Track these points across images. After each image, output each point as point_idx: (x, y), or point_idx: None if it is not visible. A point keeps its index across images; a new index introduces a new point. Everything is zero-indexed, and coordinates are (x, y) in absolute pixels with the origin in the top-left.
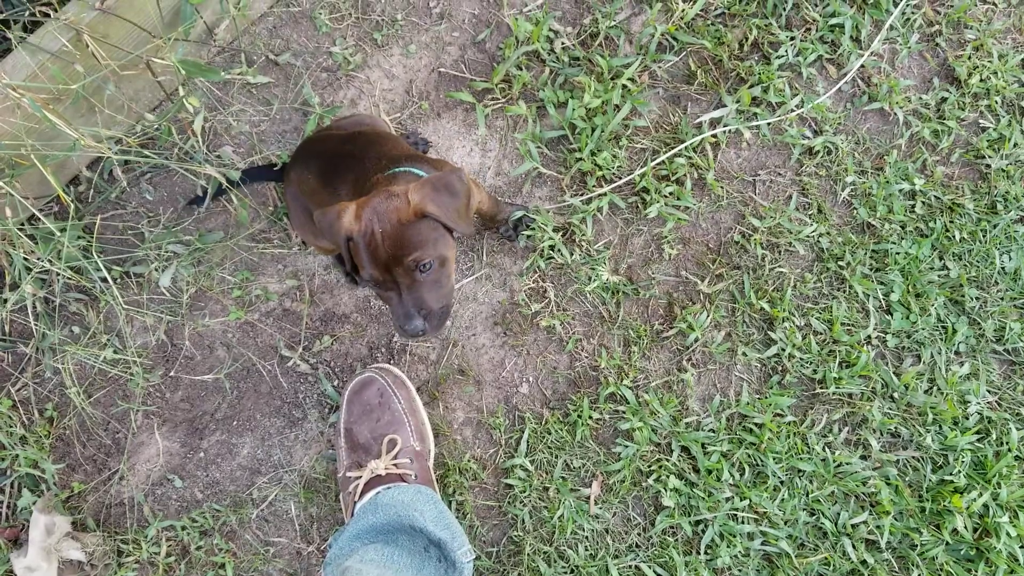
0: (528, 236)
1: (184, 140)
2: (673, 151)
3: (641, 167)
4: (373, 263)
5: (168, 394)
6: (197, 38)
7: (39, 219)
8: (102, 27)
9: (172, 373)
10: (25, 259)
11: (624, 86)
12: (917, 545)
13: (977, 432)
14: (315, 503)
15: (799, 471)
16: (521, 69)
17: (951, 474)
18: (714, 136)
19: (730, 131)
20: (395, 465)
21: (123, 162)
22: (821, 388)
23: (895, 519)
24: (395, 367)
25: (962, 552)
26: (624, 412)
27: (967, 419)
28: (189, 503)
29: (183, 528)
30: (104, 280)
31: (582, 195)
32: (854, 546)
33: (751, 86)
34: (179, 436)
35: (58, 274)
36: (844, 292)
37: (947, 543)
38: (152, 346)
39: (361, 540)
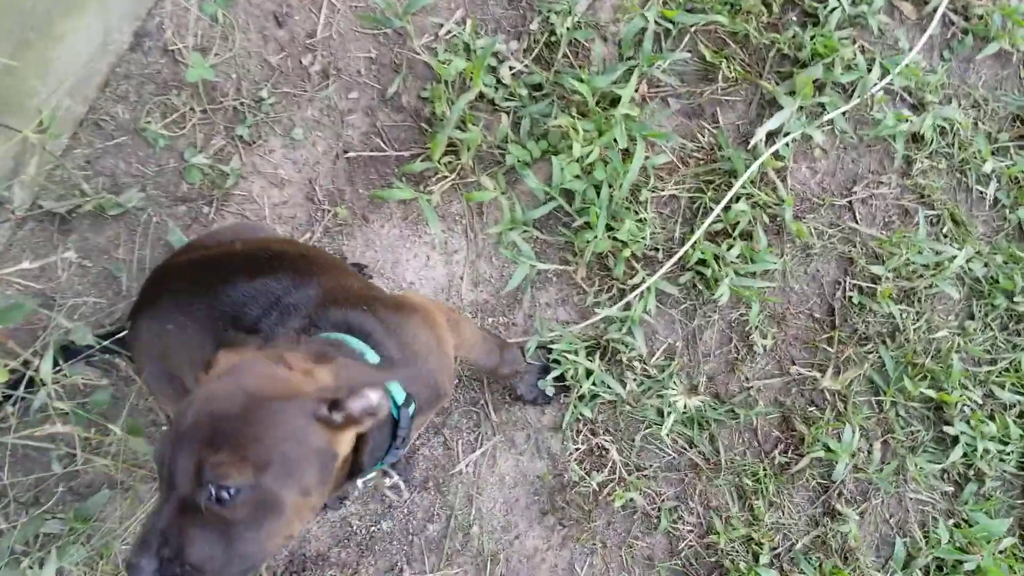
0: (558, 383)
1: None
2: (727, 196)
3: (683, 227)
4: (168, 432)
5: None
6: None
7: None
8: None
9: None
10: None
11: (624, 115)
12: None
13: None
14: None
15: None
16: (467, 126)
17: None
18: (776, 155)
19: (796, 140)
20: None
21: None
22: None
23: None
24: None
25: None
26: None
27: None
28: None
29: None
30: None
31: (610, 291)
32: None
33: (805, 66)
34: None
35: None
36: None
37: None
38: None
39: None
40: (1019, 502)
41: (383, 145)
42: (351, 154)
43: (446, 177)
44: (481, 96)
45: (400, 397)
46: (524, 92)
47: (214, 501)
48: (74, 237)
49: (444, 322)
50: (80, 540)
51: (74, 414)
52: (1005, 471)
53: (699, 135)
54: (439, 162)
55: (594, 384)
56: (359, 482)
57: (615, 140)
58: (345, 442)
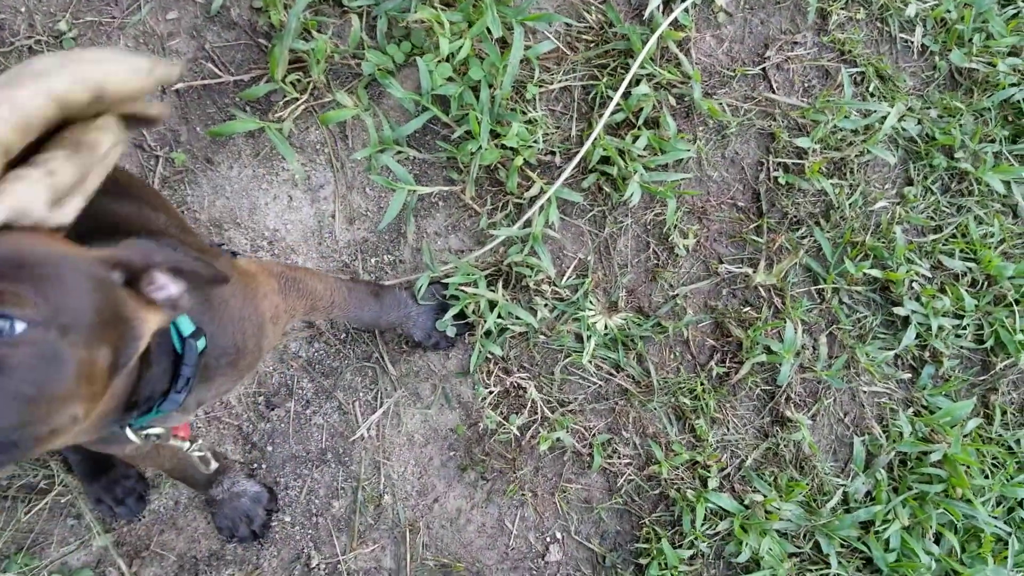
0: (460, 323)
1: None
2: (625, 81)
3: (579, 123)
4: None
5: None
6: None
7: None
8: None
9: None
10: None
11: None
12: None
13: None
14: None
15: (1020, 501)
16: (311, 35)
17: None
18: (676, 25)
19: (696, 3)
20: None
21: None
22: (1000, 359)
23: None
24: None
25: None
26: (730, 529)
27: None
28: None
29: None
30: None
31: (504, 207)
32: None
33: None
34: None
35: None
36: (974, 195)
37: None
38: None
39: None
40: (981, 378)
41: (216, 71)
42: (180, 86)
43: (296, 100)
44: None
45: (187, 328)
46: None
47: None
48: None
49: (268, 280)
50: None
51: None
52: (962, 347)
53: (585, 13)
54: (284, 82)
55: (500, 317)
56: (134, 435)
57: (488, 30)
58: (150, 322)
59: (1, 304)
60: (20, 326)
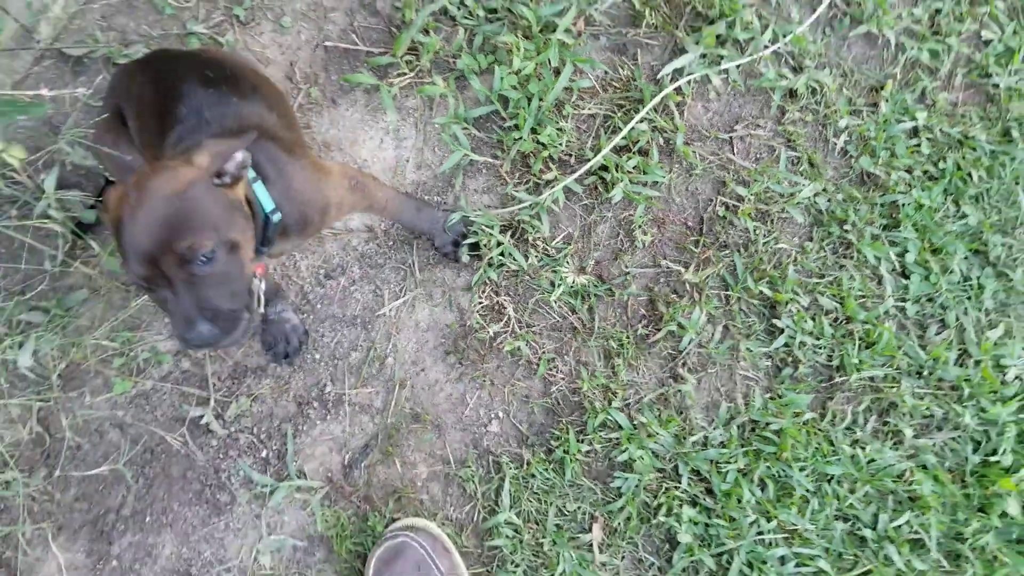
0: (472, 251)
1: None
2: (634, 120)
3: (593, 139)
4: (134, 254)
5: (58, 495)
6: (14, 41)
7: None
8: None
9: (58, 471)
10: None
11: (560, 41)
12: (967, 538)
13: (1020, 400)
14: None
15: (828, 476)
16: (429, 34)
17: (995, 452)
18: (678, 91)
19: (695, 81)
20: None
21: None
22: (840, 376)
23: (939, 512)
24: (432, 524)
25: (1015, 535)
26: (618, 439)
27: (1007, 387)
28: None
29: None
30: None
31: (527, 183)
32: (898, 551)
33: (712, 22)
34: (81, 544)
35: None
36: (852, 259)
37: (997, 528)
38: (26, 442)
39: None
40: (824, 386)
41: (357, 41)
42: (329, 44)
43: (405, 74)
44: (445, 11)
45: (268, 204)
46: (481, 13)
47: (203, 266)
48: (83, 79)
49: (341, 179)
50: (56, 330)
51: (65, 224)
52: (817, 362)
53: (619, 68)
54: (401, 59)
55: (502, 255)
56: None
57: (549, 60)
58: (239, 191)
59: (203, 248)
60: (212, 254)
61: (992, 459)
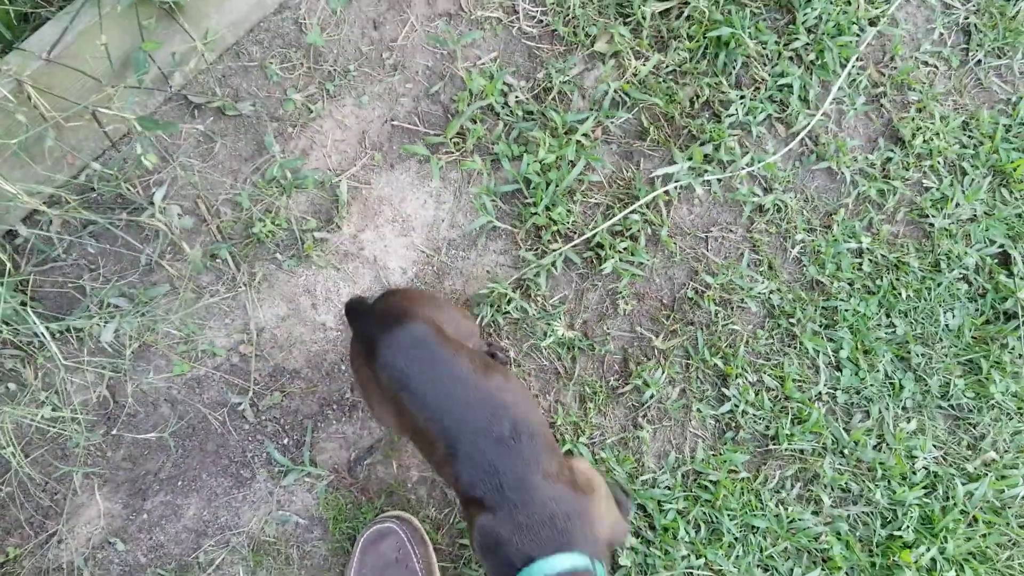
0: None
1: (132, 190)
2: (628, 210)
3: (595, 222)
4: None
5: (110, 453)
6: (149, 84)
7: None
8: (46, 78)
9: (114, 431)
10: None
11: (578, 142)
12: None
13: (924, 487)
14: (264, 567)
15: (753, 528)
16: (475, 123)
17: (900, 529)
18: (667, 193)
19: (682, 187)
20: None
21: (62, 219)
22: (774, 444)
23: (846, 574)
24: (415, 518)
25: None
26: None
27: (915, 474)
28: (132, 567)
29: None
30: (41, 337)
31: (536, 249)
32: None
33: (702, 143)
34: (121, 497)
35: None
36: (795, 349)
37: None
38: (93, 403)
39: None
40: (759, 450)
41: (417, 123)
42: (395, 122)
43: (452, 152)
44: (491, 108)
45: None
46: (520, 113)
47: None
48: (198, 120)
49: (607, 501)
50: (137, 315)
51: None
52: (756, 429)
53: (624, 170)
54: (450, 140)
55: (508, 303)
56: None
57: (568, 155)
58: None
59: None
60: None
61: (896, 534)
